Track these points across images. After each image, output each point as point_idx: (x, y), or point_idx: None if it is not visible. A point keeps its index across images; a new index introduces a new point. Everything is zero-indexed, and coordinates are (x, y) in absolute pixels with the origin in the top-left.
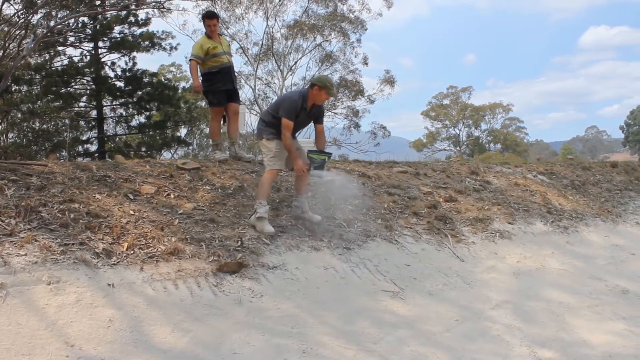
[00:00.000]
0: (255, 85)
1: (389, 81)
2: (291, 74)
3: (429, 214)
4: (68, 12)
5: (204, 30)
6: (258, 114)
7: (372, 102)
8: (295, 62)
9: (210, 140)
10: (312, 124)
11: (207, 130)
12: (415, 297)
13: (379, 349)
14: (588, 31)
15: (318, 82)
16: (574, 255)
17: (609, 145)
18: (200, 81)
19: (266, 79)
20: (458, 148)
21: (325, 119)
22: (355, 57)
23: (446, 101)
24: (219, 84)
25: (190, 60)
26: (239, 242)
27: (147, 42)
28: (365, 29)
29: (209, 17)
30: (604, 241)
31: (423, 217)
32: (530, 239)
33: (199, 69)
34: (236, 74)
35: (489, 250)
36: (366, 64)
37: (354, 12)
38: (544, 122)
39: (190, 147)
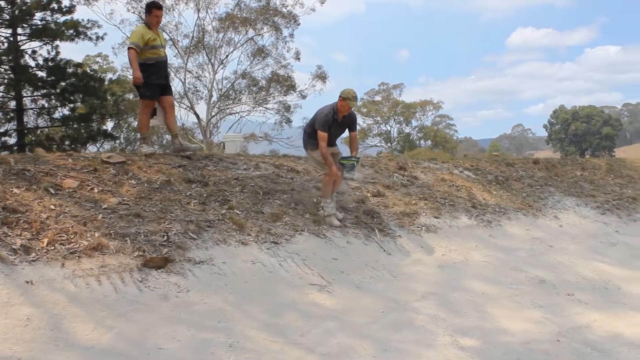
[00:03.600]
0: (185, 79)
1: (321, 77)
2: (222, 68)
3: (356, 208)
4: None
5: (132, 19)
6: (189, 108)
7: (303, 97)
8: (227, 56)
9: (139, 134)
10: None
11: (134, 124)
12: (343, 290)
13: (306, 341)
14: (516, 32)
15: (341, 93)
16: (497, 248)
17: (533, 142)
18: None
19: (196, 72)
20: (389, 144)
21: (255, 114)
22: (288, 52)
23: (378, 97)
24: (154, 76)
25: (129, 48)
26: (165, 237)
27: (71, 31)
28: (298, 24)
29: (157, 7)
30: (525, 234)
31: (351, 211)
32: (455, 232)
33: None
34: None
35: (415, 244)
36: (298, 59)
37: (287, 6)
38: (473, 120)
39: (118, 141)
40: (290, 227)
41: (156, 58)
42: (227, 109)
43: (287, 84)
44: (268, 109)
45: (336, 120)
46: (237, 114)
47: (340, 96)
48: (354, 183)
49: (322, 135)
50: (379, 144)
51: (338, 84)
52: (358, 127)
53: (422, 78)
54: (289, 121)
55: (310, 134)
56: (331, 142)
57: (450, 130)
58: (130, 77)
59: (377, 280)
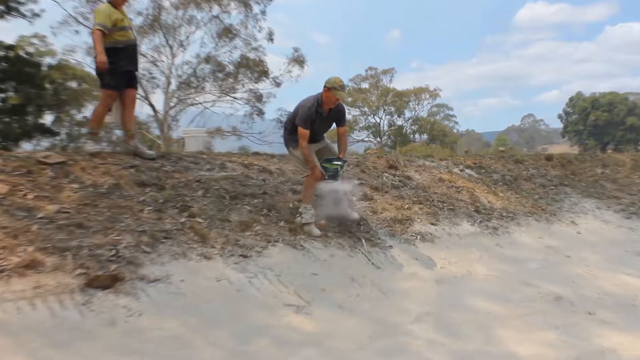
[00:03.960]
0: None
1: (298, 61)
2: (182, 51)
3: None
4: None
5: None
6: (143, 98)
7: (278, 85)
8: (188, 37)
9: (88, 128)
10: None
11: (78, 117)
12: (324, 311)
13: None
14: (525, 7)
15: (326, 82)
16: (504, 259)
17: (547, 135)
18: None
19: (152, 56)
20: (378, 139)
21: (222, 104)
22: (259, 32)
23: (365, 85)
24: (123, 62)
25: (94, 30)
26: (113, 251)
27: (1, 7)
28: None
29: None
30: (537, 243)
31: (333, 218)
32: (455, 241)
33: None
34: None
35: (409, 255)
36: (272, 40)
37: None
38: (476, 110)
39: (58, 138)
40: (262, 237)
41: (126, 41)
42: (188, 98)
43: (258, 70)
44: (236, 98)
45: (320, 114)
46: (199, 105)
47: (325, 86)
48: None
49: (303, 132)
50: (366, 139)
51: (318, 68)
52: None
53: (416, 62)
54: (261, 113)
55: (290, 130)
56: (316, 138)
57: (450, 122)
58: (75, 61)
59: (364, 299)
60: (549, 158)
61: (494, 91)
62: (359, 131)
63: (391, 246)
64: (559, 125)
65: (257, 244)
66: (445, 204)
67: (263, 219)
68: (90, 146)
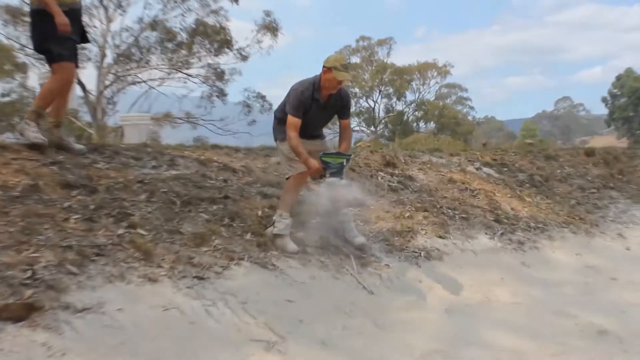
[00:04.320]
0: None
1: (270, 28)
2: (121, 13)
3: (323, 224)
4: None
5: None
6: None
7: (244, 58)
8: None
9: (33, 107)
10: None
11: None
12: (301, 348)
13: None
14: None
15: (325, 61)
16: (532, 282)
17: (587, 124)
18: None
19: (83, 21)
20: (373, 128)
21: (172, 83)
22: None
23: (356, 59)
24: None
25: None
26: (29, 272)
27: None
28: None
29: None
30: (575, 261)
31: (314, 229)
32: (470, 259)
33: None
34: None
35: (411, 277)
36: (236, 1)
37: None
38: (497, 92)
39: None
40: (223, 253)
41: (70, 4)
42: (129, 75)
43: (219, 39)
44: (191, 76)
45: (317, 101)
46: (143, 84)
47: (324, 66)
48: (318, 187)
49: (292, 121)
50: (357, 128)
51: (297, 38)
52: None
53: (421, 30)
54: (222, 94)
55: (280, 120)
56: (312, 132)
57: (464, 106)
58: None
59: (353, 333)
60: (589, 153)
61: (521, 67)
62: None
63: (388, 265)
64: (602, 111)
65: (217, 262)
66: (456, 212)
67: (224, 231)
68: (32, 133)
